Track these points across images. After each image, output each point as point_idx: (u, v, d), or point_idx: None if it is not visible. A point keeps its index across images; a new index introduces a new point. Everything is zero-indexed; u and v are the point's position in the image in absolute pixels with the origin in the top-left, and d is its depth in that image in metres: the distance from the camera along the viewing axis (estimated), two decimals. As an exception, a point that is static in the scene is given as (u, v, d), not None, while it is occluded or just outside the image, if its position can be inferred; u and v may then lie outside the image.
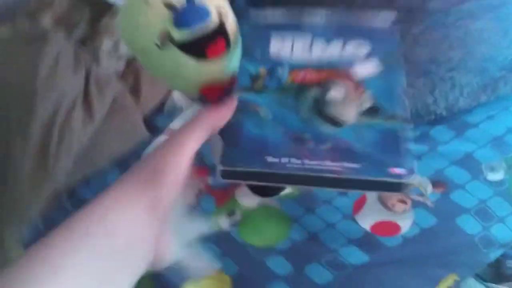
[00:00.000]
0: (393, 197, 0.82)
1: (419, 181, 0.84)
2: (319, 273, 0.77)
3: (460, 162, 0.84)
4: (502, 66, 0.87)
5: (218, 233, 0.82)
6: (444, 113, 0.87)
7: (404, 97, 0.41)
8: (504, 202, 0.81)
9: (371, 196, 0.83)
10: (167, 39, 0.35)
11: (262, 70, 0.43)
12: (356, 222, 0.81)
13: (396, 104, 0.41)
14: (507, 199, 0.81)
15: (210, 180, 0.43)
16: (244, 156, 0.37)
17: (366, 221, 0.81)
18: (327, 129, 0.40)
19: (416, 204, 0.81)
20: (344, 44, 0.44)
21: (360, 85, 0.42)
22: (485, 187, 0.82)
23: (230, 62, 0.39)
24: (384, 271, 0.77)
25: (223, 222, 0.83)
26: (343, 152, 0.37)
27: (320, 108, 0.41)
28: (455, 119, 0.89)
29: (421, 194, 0.82)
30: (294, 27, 0.46)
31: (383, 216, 0.81)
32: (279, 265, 0.78)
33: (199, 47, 0.35)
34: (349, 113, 0.40)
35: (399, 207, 0.81)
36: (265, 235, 0.81)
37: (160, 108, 0.93)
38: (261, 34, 0.46)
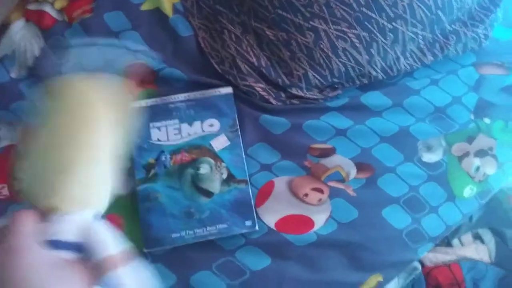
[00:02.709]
0: (306, 185, 0.64)
1: (339, 163, 0.66)
2: (209, 282, 0.60)
3: (393, 139, 0.67)
4: (457, 17, 0.67)
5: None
6: (380, 76, 0.67)
7: (244, 163, 0.63)
8: (439, 188, 0.67)
9: (280, 183, 0.64)
10: None
11: (151, 160, 0.63)
12: (259, 217, 0.62)
13: (241, 171, 0.63)
14: (442, 184, 0.67)
15: None
16: (157, 238, 0.59)
17: (271, 215, 0.63)
18: (203, 200, 0.62)
19: (334, 194, 0.64)
20: (202, 123, 0.65)
21: (218, 158, 0.63)
22: (419, 171, 0.67)
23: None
24: (289, 277, 0.61)
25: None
26: (215, 217, 0.61)
27: (195, 184, 0.62)
28: (392, 84, 0.70)
29: (342, 181, 0.65)
30: (165, 115, 0.65)
31: (293, 209, 0.63)
32: (158, 276, 0.59)
33: None
34: (215, 184, 0.62)
35: (313, 197, 0.64)
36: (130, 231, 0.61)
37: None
38: (142, 126, 0.63)
